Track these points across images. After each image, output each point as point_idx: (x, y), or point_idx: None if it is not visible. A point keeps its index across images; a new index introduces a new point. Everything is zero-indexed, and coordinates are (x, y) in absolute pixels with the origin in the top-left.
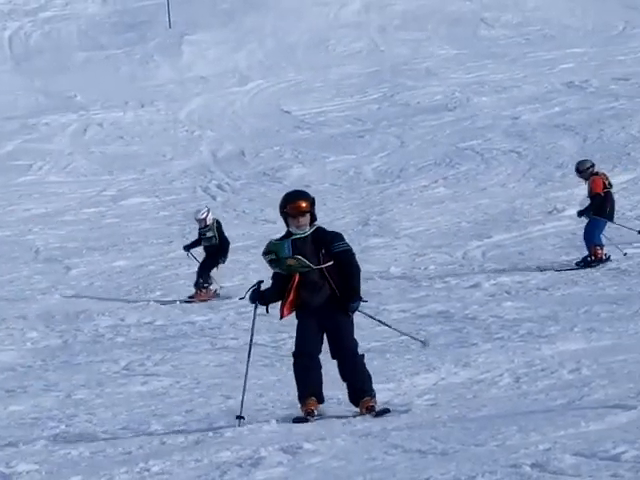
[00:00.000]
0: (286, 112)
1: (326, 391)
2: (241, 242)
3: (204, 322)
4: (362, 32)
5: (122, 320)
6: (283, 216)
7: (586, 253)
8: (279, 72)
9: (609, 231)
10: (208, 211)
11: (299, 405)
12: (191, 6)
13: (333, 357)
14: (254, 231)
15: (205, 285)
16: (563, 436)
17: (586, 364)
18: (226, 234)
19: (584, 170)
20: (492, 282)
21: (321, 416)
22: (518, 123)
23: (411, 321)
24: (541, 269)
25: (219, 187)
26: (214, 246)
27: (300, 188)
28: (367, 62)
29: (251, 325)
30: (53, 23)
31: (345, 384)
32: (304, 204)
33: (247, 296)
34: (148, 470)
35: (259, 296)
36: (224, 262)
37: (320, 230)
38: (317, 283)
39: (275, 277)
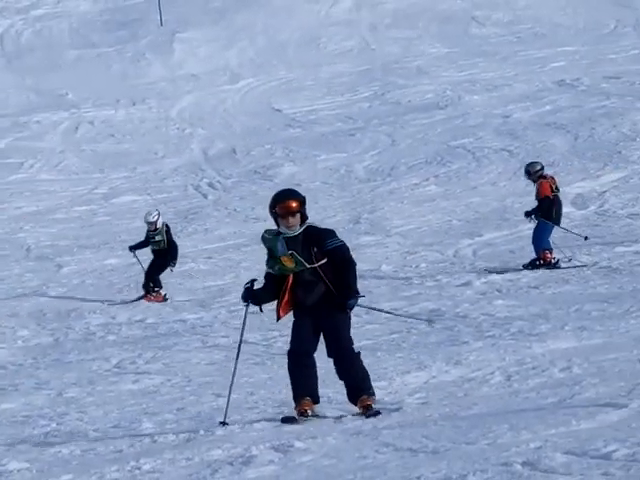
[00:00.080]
0: (277, 110)
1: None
2: (232, 240)
3: (195, 320)
4: (353, 30)
5: (113, 318)
6: (273, 216)
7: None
8: (270, 70)
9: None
10: (159, 214)
11: (293, 404)
12: (182, 4)
13: (329, 356)
14: (245, 229)
15: (156, 289)
16: (554, 434)
17: (577, 362)
18: (174, 238)
19: (534, 173)
20: (483, 280)
21: (317, 416)
22: (509, 121)
23: (402, 319)
24: (489, 271)
25: (210, 185)
26: (162, 250)
27: (291, 186)
28: (358, 60)
29: (242, 323)
30: (44, 21)
31: (342, 383)
32: (294, 204)
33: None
34: (139, 468)
35: (251, 295)
36: (174, 266)
37: (311, 228)
38: (311, 282)
39: (267, 277)
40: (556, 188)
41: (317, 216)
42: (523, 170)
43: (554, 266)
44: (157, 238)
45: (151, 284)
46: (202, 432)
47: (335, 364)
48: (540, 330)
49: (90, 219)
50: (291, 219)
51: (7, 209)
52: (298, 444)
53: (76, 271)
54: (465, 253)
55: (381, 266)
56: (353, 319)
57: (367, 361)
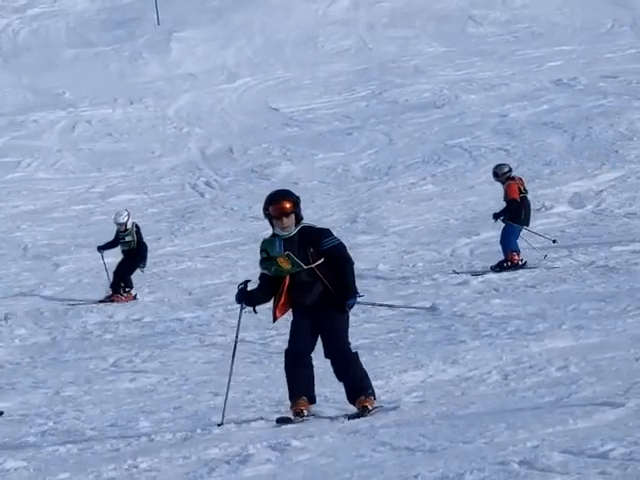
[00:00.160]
0: (274, 109)
1: (315, 389)
2: (229, 239)
3: (192, 319)
4: (350, 29)
5: (110, 317)
6: (267, 218)
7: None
8: (267, 69)
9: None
10: (129, 215)
11: (289, 404)
12: (179, 3)
13: (326, 356)
14: (242, 228)
15: (127, 289)
16: (551, 433)
17: (574, 362)
18: (144, 239)
19: (502, 174)
20: (480, 279)
21: (313, 416)
22: (506, 121)
23: (399, 318)
24: (457, 272)
25: (207, 184)
26: (132, 250)
27: (288, 185)
28: (355, 60)
29: (236, 325)
30: (41, 20)
31: (341, 383)
32: (288, 205)
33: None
34: (136, 467)
35: (246, 296)
36: (144, 266)
37: (306, 228)
38: (308, 283)
39: (262, 278)
40: (524, 189)
41: (314, 215)
42: (491, 172)
43: (521, 268)
44: (127, 239)
45: (122, 284)
46: (199, 431)
47: (333, 365)
48: (537, 329)
49: (87, 218)
50: (285, 220)
51: (4, 208)
52: (295, 443)
53: (73, 270)
54: (462, 252)
55: (378, 265)
56: (351, 318)
57: (364, 360)
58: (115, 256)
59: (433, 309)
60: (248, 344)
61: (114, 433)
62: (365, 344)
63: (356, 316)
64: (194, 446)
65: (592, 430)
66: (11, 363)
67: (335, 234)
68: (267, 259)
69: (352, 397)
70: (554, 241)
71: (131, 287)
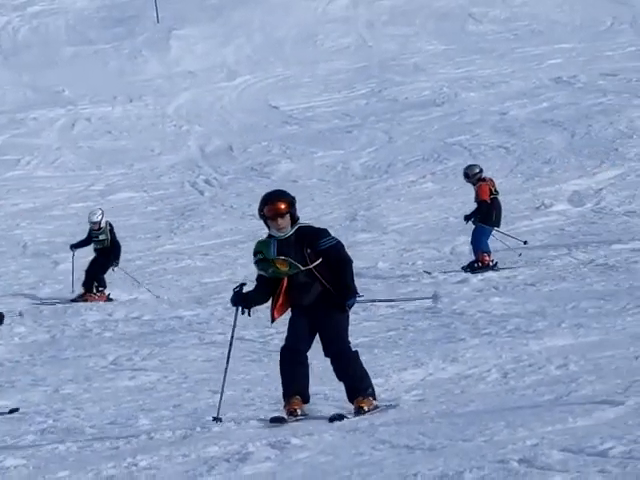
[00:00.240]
0: (274, 107)
1: (314, 386)
2: (229, 237)
3: (192, 317)
4: (350, 27)
5: (110, 315)
6: (262, 219)
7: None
8: (267, 67)
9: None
10: (102, 214)
11: (282, 402)
12: (179, 1)
13: (326, 356)
14: (242, 226)
15: (100, 289)
16: (551, 432)
17: (574, 360)
18: (117, 238)
19: (472, 175)
20: (480, 277)
21: (306, 416)
22: (506, 118)
23: (399, 316)
24: (428, 272)
25: (207, 182)
26: (105, 249)
27: (288, 183)
28: (355, 57)
29: (232, 328)
30: (41, 18)
31: (341, 383)
32: (282, 205)
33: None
34: (136, 465)
35: (241, 298)
36: (117, 265)
37: (303, 228)
38: (306, 284)
39: (259, 279)
40: (495, 191)
41: (313, 213)
42: (462, 174)
43: (491, 269)
44: (101, 237)
45: (95, 283)
46: (198, 429)
47: (332, 364)
48: (537, 327)
49: (87, 216)
50: (280, 221)
51: (4, 206)
52: (294, 441)
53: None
54: (462, 250)
55: (377, 263)
56: (351, 316)
57: (364, 358)
58: (87, 255)
59: (435, 298)
60: (247, 342)
61: (113, 431)
62: (365, 342)
63: (356, 314)
64: (193, 444)
65: (591, 428)
66: (10, 361)
67: (333, 233)
68: (263, 260)
69: (351, 397)
70: (525, 242)
71: (104, 286)
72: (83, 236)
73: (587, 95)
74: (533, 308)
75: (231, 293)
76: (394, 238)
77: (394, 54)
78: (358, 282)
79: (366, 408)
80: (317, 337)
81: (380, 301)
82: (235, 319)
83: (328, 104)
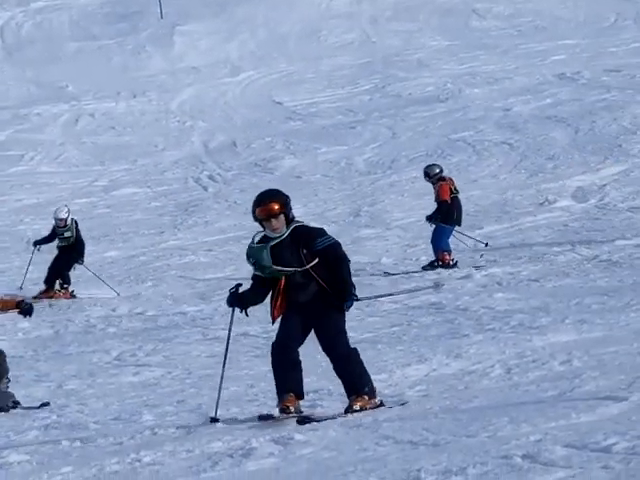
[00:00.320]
0: (278, 103)
1: (318, 382)
2: (232, 233)
3: (196, 313)
4: (354, 23)
5: (113, 311)
6: (256, 221)
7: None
8: (271, 63)
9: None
10: (68, 211)
11: (276, 400)
12: None
13: (325, 353)
14: (245, 222)
15: (65, 286)
16: (554, 427)
17: (577, 355)
18: (81, 235)
19: (433, 175)
20: (483, 273)
21: (300, 412)
22: (510, 115)
23: (402, 312)
24: (390, 274)
25: (210, 178)
26: (70, 246)
27: (291, 179)
28: (359, 53)
29: (228, 329)
30: (45, 13)
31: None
32: (275, 206)
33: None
34: (139, 461)
35: (237, 299)
36: (82, 263)
37: (299, 229)
38: (303, 284)
39: (255, 279)
40: (455, 190)
41: (317, 209)
42: (422, 174)
43: (452, 267)
44: (67, 234)
45: (59, 281)
46: (202, 424)
47: (331, 362)
48: (540, 323)
49: (90, 211)
50: (274, 222)
51: (7, 201)
52: (298, 436)
53: None
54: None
55: (381, 259)
56: (355, 312)
57: (368, 354)
58: (50, 252)
59: (437, 286)
60: (251, 338)
61: (117, 427)
62: (368, 338)
63: (360, 310)
64: (197, 440)
65: (595, 424)
66: (14, 356)
67: (337, 229)
68: (256, 265)
69: (348, 395)
70: (486, 244)
71: (69, 283)
72: (92, 232)
73: (591, 91)
74: (537, 304)
75: (227, 294)
76: (398, 234)
77: (398, 50)
78: (362, 278)
79: (358, 407)
80: (313, 334)
81: (381, 296)
82: (231, 320)
83: (332, 100)
